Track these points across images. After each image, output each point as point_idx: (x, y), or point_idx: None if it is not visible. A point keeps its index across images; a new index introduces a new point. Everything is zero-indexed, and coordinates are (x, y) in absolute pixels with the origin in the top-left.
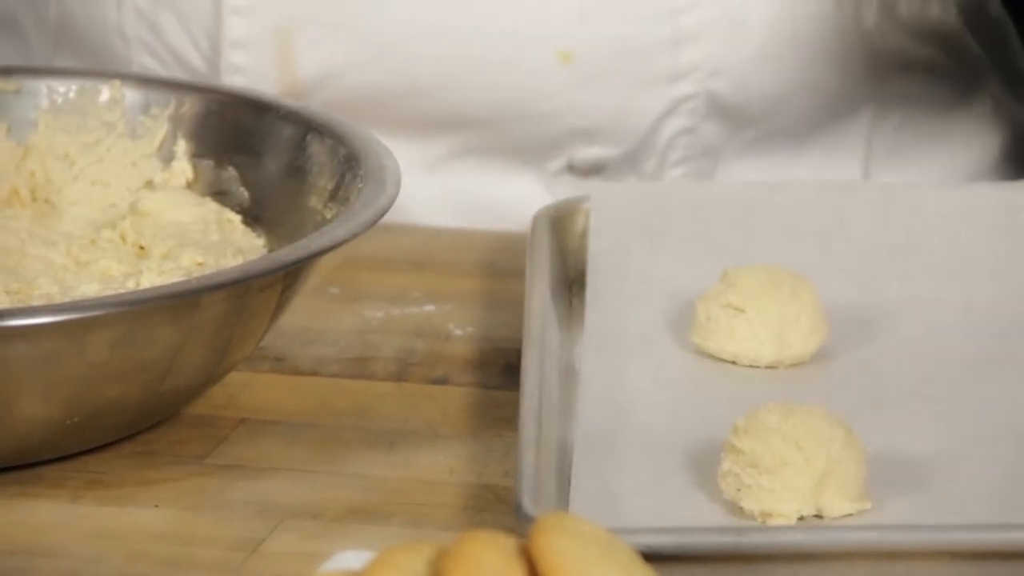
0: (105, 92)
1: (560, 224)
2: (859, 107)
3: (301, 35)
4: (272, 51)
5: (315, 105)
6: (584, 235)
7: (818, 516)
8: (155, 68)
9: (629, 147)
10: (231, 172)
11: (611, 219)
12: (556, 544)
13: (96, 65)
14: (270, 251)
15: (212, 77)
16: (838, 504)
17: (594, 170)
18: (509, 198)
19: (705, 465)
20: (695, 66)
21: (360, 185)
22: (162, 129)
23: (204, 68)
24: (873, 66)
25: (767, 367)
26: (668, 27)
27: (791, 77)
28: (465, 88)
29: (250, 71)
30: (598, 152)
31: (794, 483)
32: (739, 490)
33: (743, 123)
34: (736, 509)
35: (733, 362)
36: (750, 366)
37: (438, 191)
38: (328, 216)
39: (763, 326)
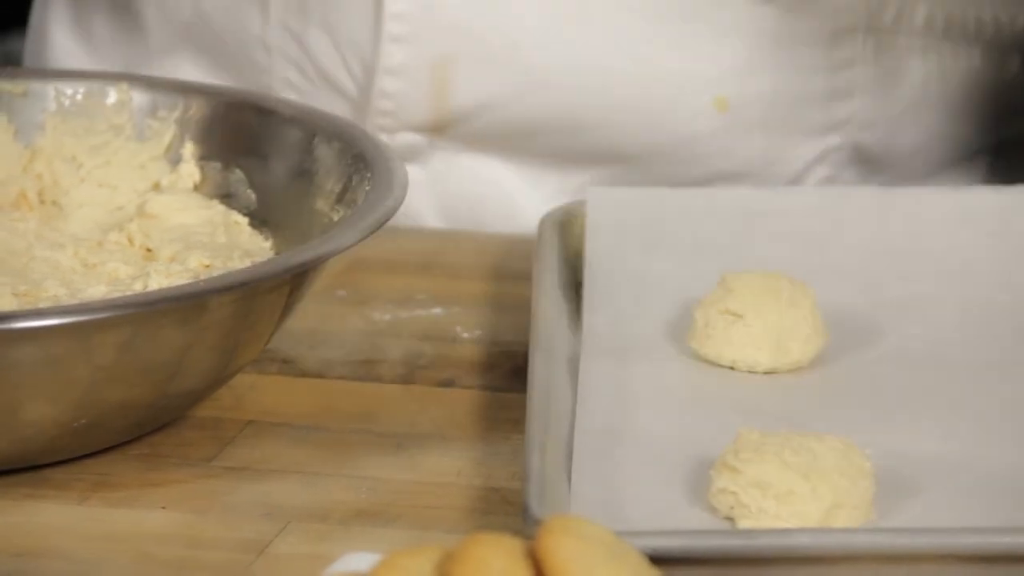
0: (112, 95)
1: (567, 227)
2: (982, 150)
3: (460, 66)
4: (427, 80)
5: (463, 135)
6: None
7: None
8: (298, 82)
9: None
10: (238, 175)
11: (608, 223)
12: (563, 546)
13: (231, 73)
14: (277, 253)
15: (361, 99)
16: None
17: None
18: None
19: (705, 470)
20: (847, 119)
21: (367, 188)
22: (169, 132)
23: (353, 90)
24: (1006, 114)
25: (765, 372)
26: (825, 81)
27: (933, 129)
28: (618, 127)
29: (401, 97)
30: None
31: (802, 511)
32: (733, 508)
33: (879, 169)
34: None
35: (731, 367)
36: (748, 371)
37: None
38: (335, 219)
39: (761, 333)
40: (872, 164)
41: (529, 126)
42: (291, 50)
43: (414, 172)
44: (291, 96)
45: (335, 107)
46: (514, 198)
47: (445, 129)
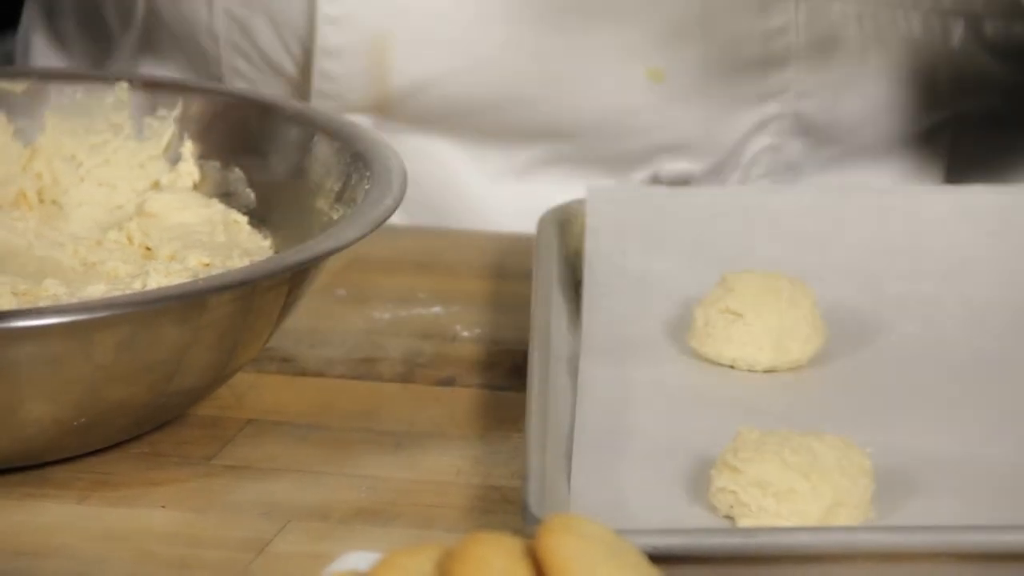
0: (112, 94)
1: (567, 226)
2: (940, 125)
3: (396, 46)
4: (365, 61)
5: (406, 115)
6: None
7: None
8: (245, 70)
9: (714, 162)
10: (238, 173)
11: (608, 223)
12: (563, 545)
13: (184, 67)
14: (276, 252)
15: (303, 82)
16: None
17: (679, 182)
18: None
19: (705, 469)
20: (784, 87)
21: (367, 186)
22: (169, 131)
23: (296, 73)
24: (957, 85)
25: (765, 371)
26: (758, 49)
27: (877, 97)
28: (554, 102)
29: (342, 79)
30: (684, 166)
31: (802, 509)
32: (733, 506)
33: (827, 141)
34: None
35: (731, 366)
36: (748, 370)
37: (525, 198)
38: (335, 217)
39: (761, 332)
40: (818, 135)
41: (468, 104)
42: (235, 37)
43: None
44: (240, 83)
45: (280, 92)
46: (460, 176)
47: (387, 109)
